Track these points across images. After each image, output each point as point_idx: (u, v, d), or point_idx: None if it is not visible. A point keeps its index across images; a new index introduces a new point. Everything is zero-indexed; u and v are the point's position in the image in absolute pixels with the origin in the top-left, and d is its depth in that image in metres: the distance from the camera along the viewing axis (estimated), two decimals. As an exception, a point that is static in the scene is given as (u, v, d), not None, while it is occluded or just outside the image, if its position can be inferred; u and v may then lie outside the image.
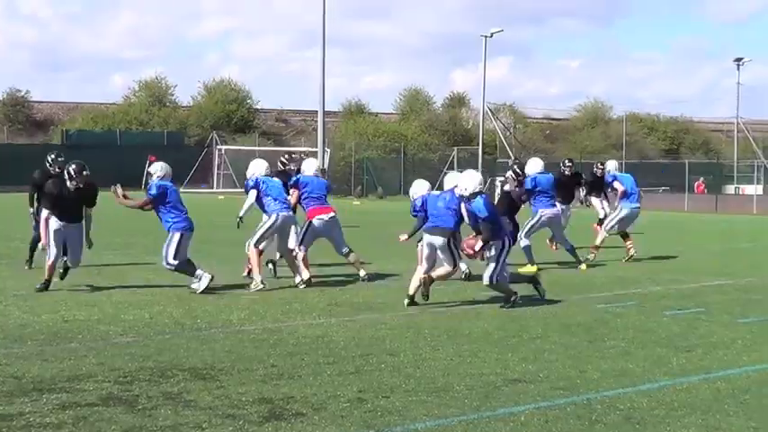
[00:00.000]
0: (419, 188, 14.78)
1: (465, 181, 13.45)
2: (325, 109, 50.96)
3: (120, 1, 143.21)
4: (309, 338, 10.87)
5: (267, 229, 15.41)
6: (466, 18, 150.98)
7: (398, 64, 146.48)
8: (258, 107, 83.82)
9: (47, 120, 77.70)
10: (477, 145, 59.80)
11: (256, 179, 15.44)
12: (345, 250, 16.21)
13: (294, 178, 16.42)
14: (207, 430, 7.13)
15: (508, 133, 66.75)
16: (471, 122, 79.85)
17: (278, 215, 15.36)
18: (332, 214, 16.19)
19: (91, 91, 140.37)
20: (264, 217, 15.60)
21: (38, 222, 16.17)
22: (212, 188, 59.92)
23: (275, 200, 15.45)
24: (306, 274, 15.39)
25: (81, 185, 14.50)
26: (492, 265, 13.38)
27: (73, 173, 14.48)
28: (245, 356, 9.80)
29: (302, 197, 16.16)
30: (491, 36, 58.40)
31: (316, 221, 15.97)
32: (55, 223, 14.50)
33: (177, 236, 14.56)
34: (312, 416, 7.53)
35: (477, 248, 13.23)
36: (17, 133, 71.62)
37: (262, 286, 14.73)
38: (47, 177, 15.42)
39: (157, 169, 14.85)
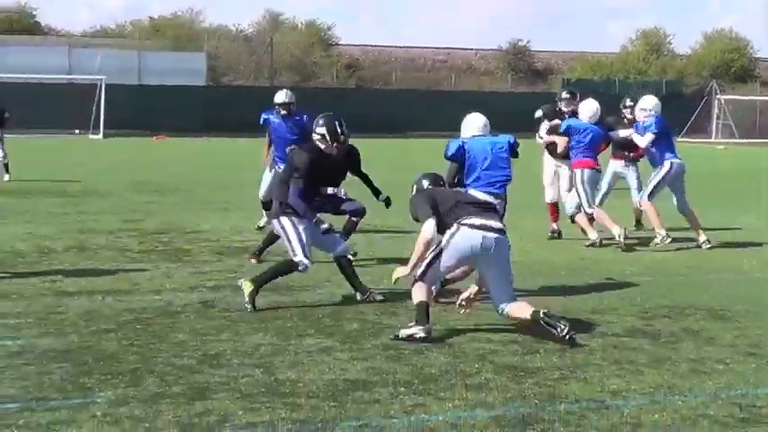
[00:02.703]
0: None
1: None
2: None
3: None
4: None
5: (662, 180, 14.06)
6: None
7: None
8: (759, 56, 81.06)
9: (546, 69, 79.57)
10: None
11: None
12: None
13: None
14: (730, 365, 7.50)
15: None
16: None
17: (672, 164, 13.96)
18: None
19: (588, 40, 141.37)
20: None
21: None
22: (710, 138, 58.93)
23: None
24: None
25: None
26: None
27: None
28: (759, 302, 10.02)
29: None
30: None
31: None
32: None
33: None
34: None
35: None
36: (519, 82, 74.11)
37: (668, 239, 13.67)
38: None
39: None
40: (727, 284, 11.03)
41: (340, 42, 76.30)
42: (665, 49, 79.99)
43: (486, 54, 79.96)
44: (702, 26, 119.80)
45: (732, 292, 10.53)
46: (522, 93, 68.11)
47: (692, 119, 59.27)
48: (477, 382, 7.03)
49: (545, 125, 14.90)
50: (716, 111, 62.56)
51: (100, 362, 7.40)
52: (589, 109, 13.99)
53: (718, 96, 63.29)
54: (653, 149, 13.90)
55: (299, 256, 9.53)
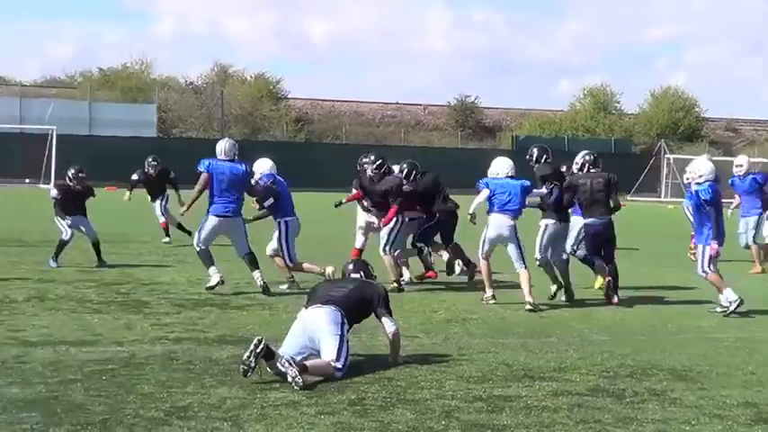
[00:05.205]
0: None
1: None
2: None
3: (566, 8, 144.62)
4: (784, 349, 11.04)
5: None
6: None
7: None
8: (706, 116, 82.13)
9: (495, 125, 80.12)
10: None
11: None
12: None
13: None
14: (696, 427, 7.56)
15: None
16: None
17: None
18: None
19: (537, 97, 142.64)
20: None
21: None
22: (660, 197, 59.61)
23: None
24: None
25: None
26: None
27: None
28: (722, 362, 10.12)
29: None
30: None
31: None
32: None
33: None
34: (802, 425, 7.77)
35: None
36: (468, 138, 74.57)
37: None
38: None
39: None
40: (687, 345, 11.12)
41: (289, 95, 76.52)
42: (613, 107, 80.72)
43: (434, 110, 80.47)
44: (650, 85, 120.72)
45: (693, 352, 10.61)
46: (471, 149, 68.47)
47: (642, 178, 59.90)
48: (446, 439, 7.07)
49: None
50: (665, 170, 63.33)
51: (69, 412, 7.36)
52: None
53: (666, 156, 64.10)
54: None
55: None
